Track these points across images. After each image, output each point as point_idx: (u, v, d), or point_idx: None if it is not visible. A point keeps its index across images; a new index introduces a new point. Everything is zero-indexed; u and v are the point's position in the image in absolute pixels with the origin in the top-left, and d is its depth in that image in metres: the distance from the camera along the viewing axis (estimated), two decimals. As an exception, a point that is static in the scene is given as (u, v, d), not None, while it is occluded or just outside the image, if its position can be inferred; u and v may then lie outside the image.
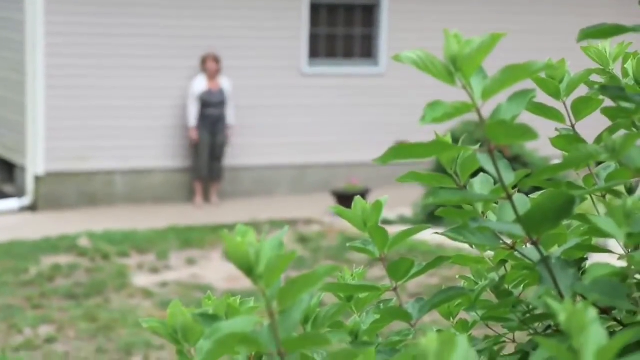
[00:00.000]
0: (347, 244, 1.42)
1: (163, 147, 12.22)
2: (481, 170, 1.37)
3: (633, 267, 1.19)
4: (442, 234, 1.32)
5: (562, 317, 0.90)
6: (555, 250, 1.33)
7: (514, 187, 1.29)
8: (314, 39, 12.76)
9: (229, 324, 1.04)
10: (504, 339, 1.44)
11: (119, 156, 12.01)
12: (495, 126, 1.13)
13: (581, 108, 1.50)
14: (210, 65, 11.93)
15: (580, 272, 1.32)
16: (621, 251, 1.27)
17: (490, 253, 1.46)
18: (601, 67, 1.57)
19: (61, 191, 11.85)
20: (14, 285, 8.85)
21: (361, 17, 12.98)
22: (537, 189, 1.42)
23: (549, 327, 1.39)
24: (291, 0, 12.52)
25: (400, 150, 1.17)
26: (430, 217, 10.28)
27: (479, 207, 1.37)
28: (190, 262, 9.74)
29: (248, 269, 0.99)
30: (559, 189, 1.29)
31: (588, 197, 1.44)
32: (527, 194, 1.35)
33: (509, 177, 1.23)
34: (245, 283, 8.67)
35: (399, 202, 10.81)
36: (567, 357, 0.89)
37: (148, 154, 12.15)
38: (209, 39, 12.15)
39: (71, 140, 11.78)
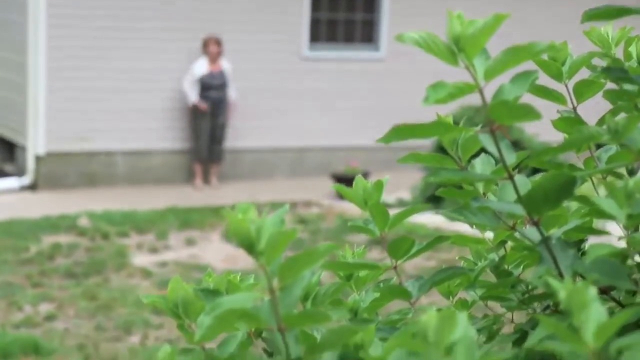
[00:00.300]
0: (348, 223, 1.42)
1: (163, 128, 12.22)
2: (481, 152, 1.38)
3: (633, 249, 1.20)
4: (443, 213, 1.32)
5: (562, 295, 0.90)
6: (556, 232, 1.34)
7: (514, 169, 1.29)
8: (315, 23, 12.74)
9: (229, 299, 1.04)
10: (502, 318, 1.45)
11: (120, 137, 12.01)
12: (498, 106, 1.13)
13: (583, 90, 1.50)
14: (211, 48, 11.91)
15: (580, 254, 1.33)
16: (620, 234, 1.27)
17: (489, 234, 1.47)
18: (603, 51, 1.57)
19: (61, 171, 11.86)
20: (14, 263, 8.88)
21: (362, 2, 12.95)
22: (536, 173, 1.43)
23: (547, 306, 1.40)
24: (293, -17, 12.49)
25: (403, 130, 1.17)
26: (429, 200, 10.30)
27: (480, 187, 1.37)
28: (190, 242, 9.76)
29: (249, 246, 0.99)
30: (560, 170, 1.29)
31: (588, 180, 1.45)
32: (526, 177, 1.35)
33: (511, 158, 1.23)
34: (243, 264, 8.69)
35: (397, 185, 10.83)
36: (567, 335, 0.90)
37: (148, 136, 12.15)
38: (210, 21, 12.12)
39: (72, 121, 11.78)
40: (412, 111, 11.84)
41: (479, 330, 1.39)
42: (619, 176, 1.41)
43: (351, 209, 10.54)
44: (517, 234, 1.32)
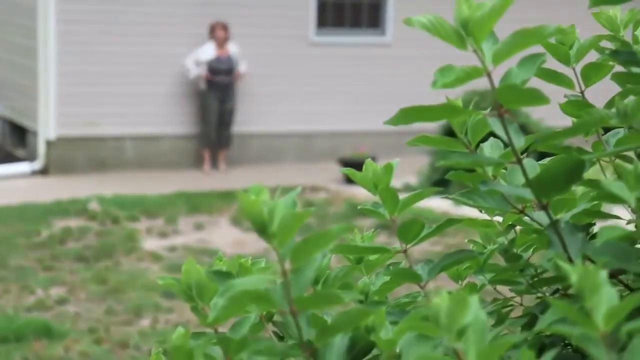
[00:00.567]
0: (358, 207, 1.43)
1: (172, 113, 12.23)
2: (489, 136, 1.38)
3: (641, 232, 1.20)
4: (452, 197, 1.33)
5: (573, 278, 0.91)
6: (564, 215, 1.34)
7: (523, 153, 1.29)
8: (322, 8, 12.71)
9: (243, 281, 1.05)
10: (512, 302, 1.46)
11: (129, 122, 12.03)
12: (506, 90, 1.13)
13: (591, 74, 1.50)
14: (218, 33, 11.90)
15: (588, 238, 1.33)
16: (628, 218, 1.28)
17: (498, 218, 1.47)
18: (612, 34, 1.57)
19: (72, 156, 11.90)
20: (25, 247, 8.92)
21: (370, -15, 12.91)
22: (543, 157, 1.43)
23: (556, 290, 1.40)
24: (301, -33, 12.46)
25: (411, 113, 1.17)
26: (435, 185, 10.30)
27: (489, 171, 1.38)
28: (199, 227, 9.78)
29: (262, 228, 1.00)
30: (568, 153, 1.30)
31: (596, 164, 1.45)
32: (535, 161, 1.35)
33: (519, 141, 1.23)
34: (252, 248, 8.72)
35: (404, 170, 10.81)
36: (578, 318, 0.90)
37: (157, 121, 12.17)
38: (218, 6, 12.11)
39: (82, 106, 11.80)
40: (418, 96, 11.80)
41: (488, 314, 1.39)
42: (628, 160, 1.41)
43: (359, 193, 10.55)
44: (526, 218, 1.33)
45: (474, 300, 0.92)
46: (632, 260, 1.13)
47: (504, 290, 1.49)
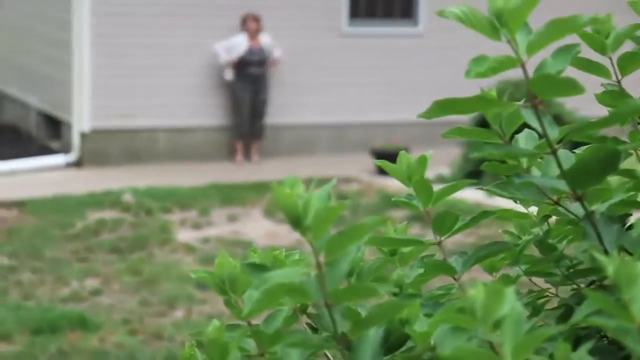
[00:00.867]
0: (392, 199, 1.43)
1: (205, 105, 12.28)
2: (523, 127, 1.37)
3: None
4: (486, 189, 1.32)
5: (610, 270, 0.90)
6: (600, 206, 1.33)
7: (557, 143, 1.28)
8: (354, -1, 12.69)
9: (277, 274, 1.05)
10: (547, 293, 1.45)
11: (162, 114, 12.10)
12: (540, 80, 1.13)
13: (628, 63, 1.48)
14: (250, 24, 11.92)
15: (624, 229, 1.32)
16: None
17: (533, 209, 1.46)
18: (648, 23, 1.55)
19: (106, 148, 11.99)
20: (60, 239, 9.02)
21: (402, -25, 12.86)
22: (577, 147, 1.41)
23: (592, 282, 1.39)
24: (332, -43, 12.43)
25: (445, 105, 1.17)
26: (468, 176, 10.25)
27: (524, 162, 1.37)
28: (232, 218, 9.82)
29: (296, 220, 1.00)
30: (603, 143, 1.28)
31: (632, 155, 1.43)
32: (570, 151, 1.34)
33: (554, 132, 1.22)
34: (285, 240, 8.74)
35: (436, 161, 10.75)
36: (614, 310, 0.89)
37: (190, 112, 12.23)
38: (250, -3, 12.13)
39: (116, 98, 11.88)
40: (450, 86, 11.76)
41: (524, 305, 1.38)
42: (665, 150, 1.39)
43: (391, 184, 10.53)
44: (561, 209, 1.32)
45: (510, 292, 0.91)
46: (669, 252, 1.12)
47: (539, 281, 1.48)
